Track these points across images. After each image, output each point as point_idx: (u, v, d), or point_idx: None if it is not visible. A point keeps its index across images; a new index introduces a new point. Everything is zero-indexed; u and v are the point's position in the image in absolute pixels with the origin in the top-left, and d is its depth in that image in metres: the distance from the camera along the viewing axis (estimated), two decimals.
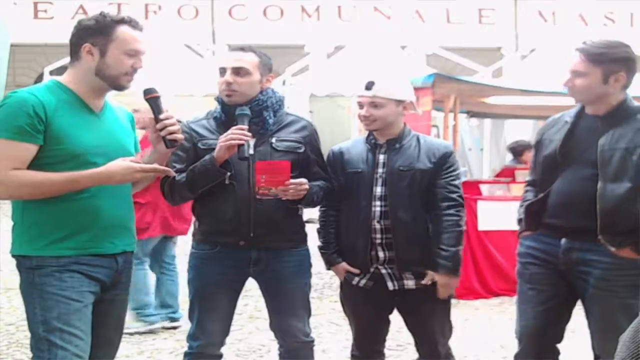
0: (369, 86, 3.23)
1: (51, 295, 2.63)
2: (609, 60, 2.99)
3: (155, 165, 2.75)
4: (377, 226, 3.23)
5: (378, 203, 3.23)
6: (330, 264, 3.39)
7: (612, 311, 2.97)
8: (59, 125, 2.64)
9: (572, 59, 3.07)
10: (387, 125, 3.26)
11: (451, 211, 3.21)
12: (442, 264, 3.21)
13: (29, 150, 2.61)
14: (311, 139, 3.24)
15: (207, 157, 3.04)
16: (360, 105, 3.27)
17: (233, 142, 2.98)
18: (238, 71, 3.11)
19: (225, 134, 3.02)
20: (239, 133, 2.99)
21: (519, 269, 3.26)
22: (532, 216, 3.17)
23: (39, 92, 2.68)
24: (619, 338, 1.93)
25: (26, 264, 2.68)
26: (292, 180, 2.99)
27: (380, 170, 3.26)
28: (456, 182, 3.27)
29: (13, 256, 2.74)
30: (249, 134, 3.00)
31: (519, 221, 3.24)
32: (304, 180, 3.05)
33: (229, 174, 3.06)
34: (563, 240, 3.07)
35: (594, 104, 3.07)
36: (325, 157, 3.35)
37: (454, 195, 3.24)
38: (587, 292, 3.04)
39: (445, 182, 3.24)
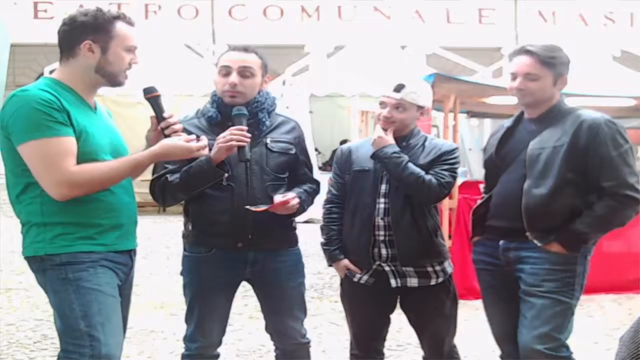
0: (399, 89, 3.21)
1: (89, 290, 2.60)
2: (559, 63, 3.07)
3: (204, 142, 2.79)
4: (381, 223, 3.23)
5: (382, 200, 3.24)
6: (332, 260, 3.38)
7: (542, 307, 2.99)
8: (76, 122, 2.60)
9: (520, 61, 3.07)
10: (403, 128, 3.28)
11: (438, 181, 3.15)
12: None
13: (73, 142, 2.56)
14: (300, 140, 3.23)
15: (202, 157, 2.94)
16: (384, 105, 3.25)
17: (234, 143, 2.93)
18: (244, 72, 3.05)
19: (223, 134, 2.96)
20: (239, 134, 2.94)
21: (477, 276, 3.32)
22: (479, 221, 3.24)
23: (48, 88, 2.60)
24: (619, 338, 1.93)
25: (52, 262, 2.61)
26: (280, 200, 3.01)
27: None
28: (446, 172, 3.18)
29: (28, 258, 2.67)
30: (249, 135, 2.97)
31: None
32: (293, 199, 3.05)
33: (226, 175, 3.01)
34: (501, 242, 3.13)
35: (538, 106, 3.12)
36: (331, 154, 3.36)
37: (444, 181, 3.15)
38: (519, 288, 3.08)
39: (434, 171, 3.17)
